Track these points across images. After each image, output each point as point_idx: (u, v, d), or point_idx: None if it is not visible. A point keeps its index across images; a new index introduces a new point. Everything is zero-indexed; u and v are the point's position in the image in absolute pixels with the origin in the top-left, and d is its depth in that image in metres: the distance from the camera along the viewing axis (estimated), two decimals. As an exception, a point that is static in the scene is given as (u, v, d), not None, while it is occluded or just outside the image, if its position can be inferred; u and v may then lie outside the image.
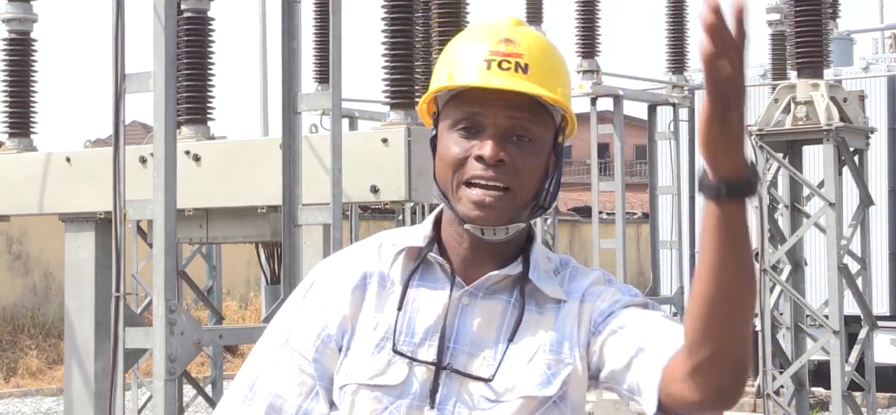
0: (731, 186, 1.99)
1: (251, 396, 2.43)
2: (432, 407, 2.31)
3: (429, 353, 2.32)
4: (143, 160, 6.94)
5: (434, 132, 2.38)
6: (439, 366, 2.31)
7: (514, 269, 2.36)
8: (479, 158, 2.29)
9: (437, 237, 2.39)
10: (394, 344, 2.32)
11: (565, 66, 2.39)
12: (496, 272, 2.35)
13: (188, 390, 11.27)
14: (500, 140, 2.29)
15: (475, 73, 2.30)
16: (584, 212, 28.43)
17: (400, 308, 2.34)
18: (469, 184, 2.29)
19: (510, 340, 2.32)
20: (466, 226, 2.32)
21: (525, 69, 2.30)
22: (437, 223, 2.41)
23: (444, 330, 2.32)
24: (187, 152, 6.93)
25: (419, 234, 2.40)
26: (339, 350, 2.38)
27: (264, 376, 2.43)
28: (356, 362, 2.35)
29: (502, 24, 2.37)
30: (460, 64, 2.33)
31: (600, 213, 14.39)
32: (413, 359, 2.32)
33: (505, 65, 2.30)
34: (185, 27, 7.34)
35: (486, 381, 2.30)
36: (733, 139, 1.96)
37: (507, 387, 2.31)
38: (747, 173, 1.99)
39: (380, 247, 2.43)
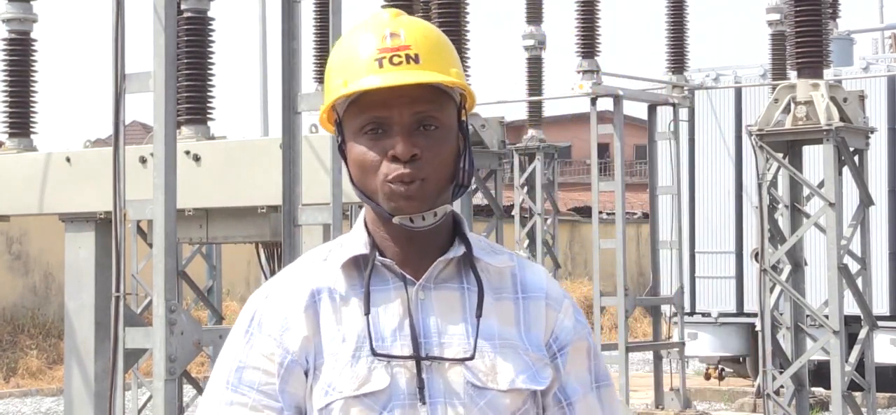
0: None
1: None
2: (423, 403, 2.30)
3: (402, 351, 2.32)
4: (143, 160, 6.94)
5: (340, 139, 2.39)
6: (419, 359, 2.31)
7: (457, 250, 2.37)
8: (394, 158, 2.30)
9: (373, 242, 2.39)
10: (372, 348, 2.30)
11: (451, 46, 2.40)
12: (442, 258, 2.36)
13: (188, 390, 11.27)
14: (409, 134, 2.31)
15: (369, 74, 2.31)
16: (584, 212, 28.41)
17: (367, 313, 2.32)
18: (390, 181, 2.31)
19: (478, 316, 2.33)
20: (395, 219, 2.33)
21: (416, 59, 2.31)
22: (366, 228, 2.42)
23: (411, 324, 2.32)
24: (187, 152, 6.93)
25: (357, 242, 2.39)
26: (306, 374, 2.34)
27: None
28: (334, 377, 2.31)
29: (382, 20, 2.37)
30: (352, 68, 2.33)
31: (600, 213, 14.39)
32: (392, 358, 2.31)
33: (396, 59, 2.31)
34: (185, 27, 7.34)
35: (468, 359, 2.31)
36: None
37: (493, 373, 2.33)
38: None
39: (312, 264, 2.41)
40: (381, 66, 2.31)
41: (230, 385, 2.37)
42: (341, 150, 2.40)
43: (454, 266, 2.38)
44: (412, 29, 2.35)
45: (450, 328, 2.34)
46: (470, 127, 2.46)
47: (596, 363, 2.45)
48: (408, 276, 2.35)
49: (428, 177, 2.31)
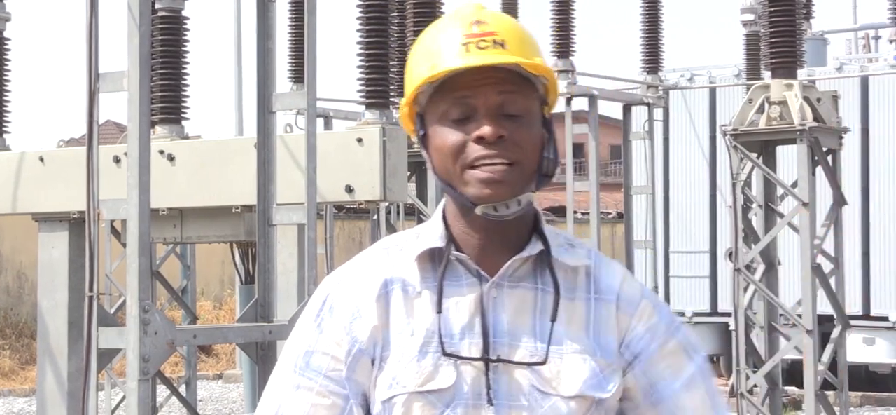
0: None
1: None
2: (490, 404, 2.28)
3: (472, 350, 2.29)
4: (117, 160, 6.92)
5: (422, 132, 2.36)
6: (487, 360, 2.29)
7: (534, 248, 2.34)
8: (479, 139, 2.28)
9: (450, 235, 2.36)
10: (443, 347, 2.28)
11: (535, 37, 2.40)
12: (517, 256, 2.33)
13: (162, 391, 11.25)
14: (495, 117, 2.29)
15: (457, 57, 2.30)
16: (559, 212, 28.46)
17: (440, 311, 2.30)
18: (474, 167, 2.28)
19: (553, 319, 2.31)
20: (478, 209, 2.30)
21: (503, 44, 2.30)
22: (445, 219, 2.38)
23: (484, 324, 2.30)
24: (161, 152, 6.91)
25: (433, 234, 2.36)
26: (372, 363, 2.32)
27: (288, 404, 2.35)
28: (400, 371, 2.30)
29: (468, 11, 2.37)
30: (439, 53, 2.32)
31: (575, 212, 14.41)
32: (461, 358, 2.28)
33: (482, 44, 2.30)
34: (160, 26, 7.32)
35: (539, 364, 2.29)
36: None
37: (558, 378, 2.30)
38: None
39: (388, 253, 2.39)
40: (468, 50, 2.30)
41: (298, 369, 2.36)
42: (423, 142, 2.37)
43: (530, 264, 2.35)
44: (498, 18, 2.35)
45: (521, 329, 2.32)
46: None
47: (687, 359, 2.39)
48: (483, 272, 2.32)
49: (515, 161, 2.29)
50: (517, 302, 2.32)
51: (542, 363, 2.29)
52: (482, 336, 2.29)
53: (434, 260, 2.35)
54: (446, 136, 2.30)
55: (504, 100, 2.30)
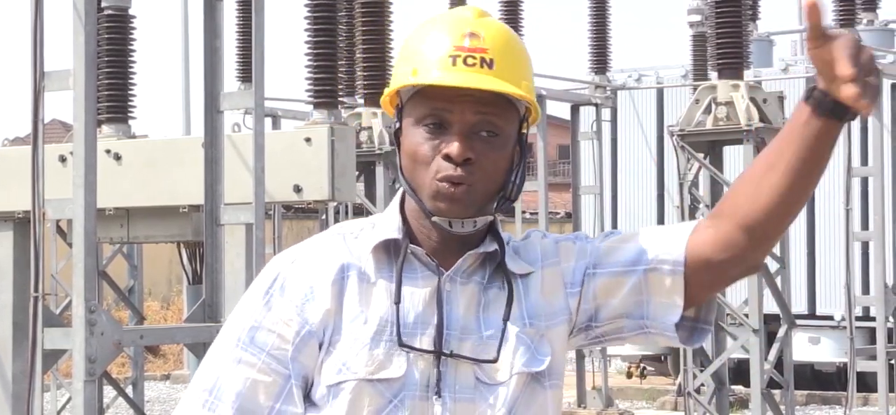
0: (847, 110, 2.18)
1: (213, 401, 2.33)
2: (439, 396, 2.29)
3: (424, 343, 2.30)
4: (62, 159, 6.87)
5: (397, 125, 2.36)
6: (441, 354, 2.30)
7: (489, 246, 2.36)
8: (447, 157, 2.28)
9: (407, 228, 2.36)
10: (399, 338, 2.28)
11: (528, 57, 2.38)
12: (472, 252, 2.34)
13: (109, 391, 11.16)
14: (467, 137, 2.28)
15: (440, 70, 2.29)
16: (508, 211, 28.49)
17: (397, 301, 2.30)
18: (436, 179, 2.29)
19: (506, 319, 2.32)
20: (434, 219, 2.31)
21: (491, 64, 2.29)
22: (402, 211, 2.39)
23: (440, 317, 2.31)
24: (108, 151, 6.87)
25: (390, 226, 2.36)
26: (320, 346, 2.31)
27: (227, 378, 2.33)
28: (350, 357, 2.29)
29: (465, 17, 2.34)
30: (424, 59, 2.31)
31: (524, 212, 14.46)
32: (415, 349, 2.29)
33: (470, 60, 2.28)
34: (106, 24, 7.28)
35: (492, 362, 2.31)
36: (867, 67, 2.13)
37: (499, 366, 2.32)
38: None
39: (344, 239, 2.38)
40: (454, 64, 2.28)
41: (241, 343, 2.34)
42: (397, 136, 2.37)
43: (482, 261, 2.36)
44: (492, 32, 2.32)
45: (470, 324, 2.33)
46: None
47: (616, 236, 2.42)
48: (439, 267, 2.33)
49: (477, 184, 2.29)
50: (468, 298, 2.34)
51: (494, 362, 2.31)
52: (437, 329, 2.30)
53: (389, 251, 2.35)
54: (417, 143, 2.31)
55: (480, 120, 2.29)
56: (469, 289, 2.34)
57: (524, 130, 2.37)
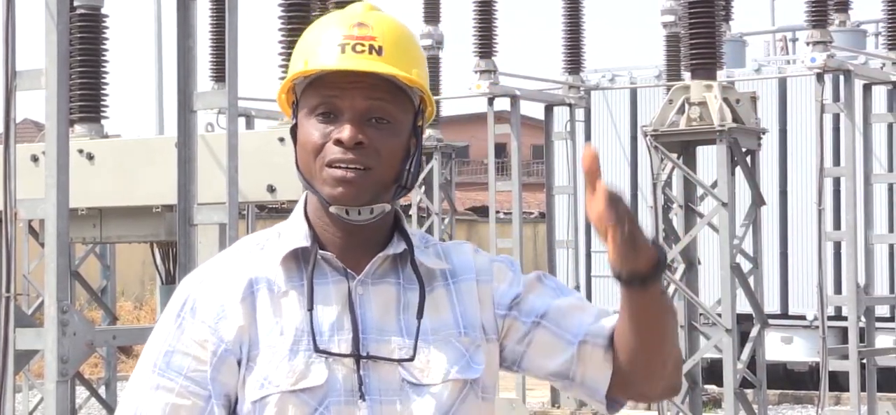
0: (650, 275, 2.27)
1: None
2: (363, 400, 2.30)
3: (341, 347, 2.31)
4: (34, 159, 6.84)
5: (294, 122, 2.39)
6: (358, 357, 2.30)
7: (398, 247, 2.38)
8: (338, 142, 2.31)
9: (314, 234, 2.38)
10: (315, 344, 2.29)
11: (420, 49, 2.42)
12: (382, 254, 2.36)
13: (81, 392, 11.13)
14: (359, 123, 2.31)
15: (330, 57, 2.32)
16: (482, 211, 28.51)
17: (310, 308, 2.30)
18: (330, 166, 2.31)
19: (419, 317, 2.34)
20: (331, 208, 2.33)
21: (379, 51, 2.32)
22: (307, 217, 2.40)
23: (353, 321, 2.31)
24: (80, 151, 6.84)
25: (297, 234, 2.37)
26: (239, 363, 2.32)
27: (147, 405, 2.33)
28: (271, 370, 2.29)
29: (355, 10, 2.39)
30: (315, 50, 2.34)
31: (497, 212, 14.46)
32: (332, 355, 2.29)
33: (359, 48, 2.32)
34: (79, 23, 7.25)
35: (408, 361, 2.31)
36: (641, 242, 2.23)
37: (427, 368, 2.33)
38: (661, 256, 2.26)
39: (249, 252, 2.39)
40: (343, 51, 2.32)
41: (158, 369, 2.34)
42: (293, 132, 2.39)
43: (392, 261, 2.38)
44: (382, 23, 2.36)
45: (388, 325, 2.34)
46: None
47: (548, 282, 2.48)
48: (349, 270, 2.34)
49: (371, 167, 2.31)
50: (382, 299, 2.35)
51: (411, 360, 2.32)
52: (352, 333, 2.31)
53: (298, 259, 2.36)
54: (310, 132, 2.34)
55: (371, 106, 2.32)
56: (383, 290, 2.36)
57: (420, 123, 2.40)
